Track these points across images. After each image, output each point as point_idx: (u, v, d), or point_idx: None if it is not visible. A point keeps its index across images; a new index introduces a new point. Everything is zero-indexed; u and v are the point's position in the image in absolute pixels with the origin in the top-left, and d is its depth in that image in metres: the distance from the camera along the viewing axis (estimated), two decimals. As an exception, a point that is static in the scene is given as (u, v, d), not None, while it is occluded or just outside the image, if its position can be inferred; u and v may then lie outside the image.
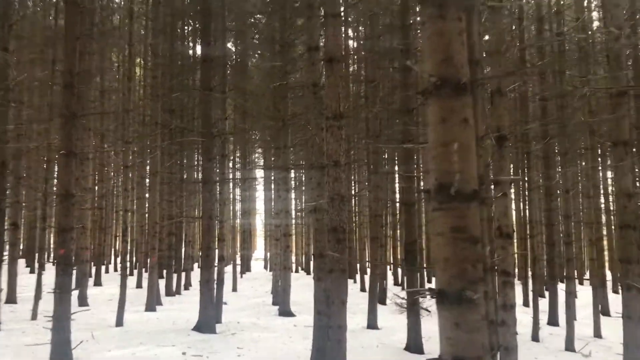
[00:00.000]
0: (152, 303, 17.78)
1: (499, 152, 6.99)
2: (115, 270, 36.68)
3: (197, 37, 25.05)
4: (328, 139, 8.29)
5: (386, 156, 18.37)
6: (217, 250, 16.03)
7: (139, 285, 25.89)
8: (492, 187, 6.87)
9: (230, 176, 19.04)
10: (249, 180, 35.30)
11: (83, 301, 18.40)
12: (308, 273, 36.46)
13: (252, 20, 25.66)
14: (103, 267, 35.53)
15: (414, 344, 11.84)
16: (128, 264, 33.82)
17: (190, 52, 27.31)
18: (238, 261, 33.20)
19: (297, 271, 40.74)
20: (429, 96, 3.03)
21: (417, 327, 11.74)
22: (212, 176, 13.16)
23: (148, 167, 18.72)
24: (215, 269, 13.90)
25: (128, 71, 15.13)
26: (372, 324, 15.26)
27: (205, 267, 13.05)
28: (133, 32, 16.29)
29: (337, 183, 8.22)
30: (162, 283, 23.36)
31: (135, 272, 30.10)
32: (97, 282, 27.20)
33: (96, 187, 27.70)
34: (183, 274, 26.96)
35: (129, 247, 36.76)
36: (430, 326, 13.46)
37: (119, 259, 39.25)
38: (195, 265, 38.07)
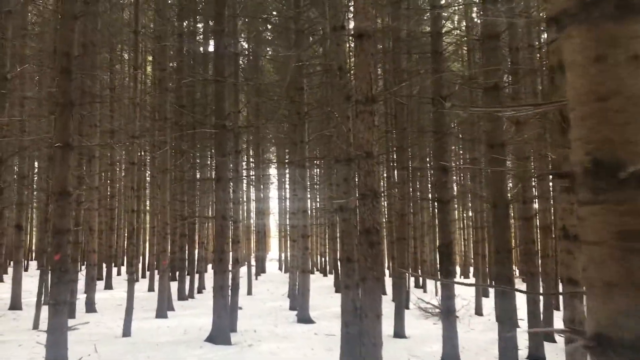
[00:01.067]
0: (163, 309, 16.77)
1: None
2: (122, 273, 35.79)
3: (209, 33, 24.10)
4: (358, 126, 7.17)
5: (410, 151, 17.18)
6: (231, 253, 14.99)
7: (150, 288, 24.95)
8: None
9: (244, 174, 17.93)
10: (263, 179, 34.30)
11: (91, 307, 17.44)
12: (325, 275, 35.36)
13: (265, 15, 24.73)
14: (115, 270, 34.83)
15: (451, 357, 10.67)
16: (140, 267, 33.22)
17: (201, 49, 26.39)
18: (252, 262, 32.19)
19: (312, 272, 39.68)
20: (569, 21, 1.89)
21: (453, 337, 10.57)
22: (226, 173, 12.09)
23: (157, 164, 17.66)
24: (230, 273, 12.83)
25: (134, 60, 14.09)
26: (399, 332, 14.12)
27: (219, 272, 11.99)
28: (139, 20, 15.22)
29: (369, 177, 7.09)
30: (174, 286, 22.42)
31: (148, 274, 29.24)
32: (108, 286, 26.32)
33: (108, 187, 26.81)
34: (196, 277, 26.00)
35: (140, 249, 36.19)
36: (462, 334, 12.32)
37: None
38: (209, 266, 37.14)
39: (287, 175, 37.40)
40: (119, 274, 34.63)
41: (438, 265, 10.67)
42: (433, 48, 10.81)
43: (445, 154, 10.74)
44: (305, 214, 16.63)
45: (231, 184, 14.14)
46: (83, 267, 23.27)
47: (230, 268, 13.07)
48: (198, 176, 22.05)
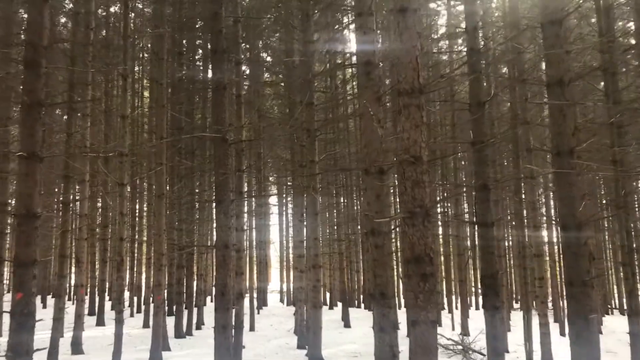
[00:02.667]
0: (157, 350, 14.93)
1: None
2: (123, 307, 33.80)
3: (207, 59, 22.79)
4: (402, 124, 5.59)
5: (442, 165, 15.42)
6: (234, 286, 13.29)
7: (146, 324, 23.09)
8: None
9: (246, 195, 16.25)
10: (263, 207, 32.61)
11: (77, 348, 15.63)
12: (331, 308, 33.41)
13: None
14: (109, 304, 32.88)
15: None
16: (135, 301, 31.29)
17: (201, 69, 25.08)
18: (254, 294, 30.30)
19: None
20: None
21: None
22: (228, 194, 10.46)
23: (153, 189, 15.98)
24: (233, 310, 11.09)
25: (123, 68, 12.59)
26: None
27: (221, 309, 10.25)
28: (128, 24, 13.75)
29: (418, 189, 5.49)
30: (171, 322, 20.61)
31: (143, 308, 27.32)
32: (100, 322, 24.49)
33: (99, 215, 25.09)
34: (195, 311, 24.16)
35: (129, 282, 34.27)
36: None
37: (127, 294, 36.53)
38: (208, 299, 35.16)
39: (290, 202, 35.85)
40: (112, 308, 32.65)
41: (481, 299, 8.92)
42: (469, 45, 9.29)
43: (486, 168, 9.14)
44: (317, 241, 14.91)
45: (234, 208, 12.51)
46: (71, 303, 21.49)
47: (233, 304, 11.34)
48: (197, 201, 20.26)
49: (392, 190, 20.38)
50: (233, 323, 11.25)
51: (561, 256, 27.06)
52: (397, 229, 12.07)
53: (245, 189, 13.85)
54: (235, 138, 12.10)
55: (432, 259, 5.51)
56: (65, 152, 14.20)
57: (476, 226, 9.12)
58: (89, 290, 29.76)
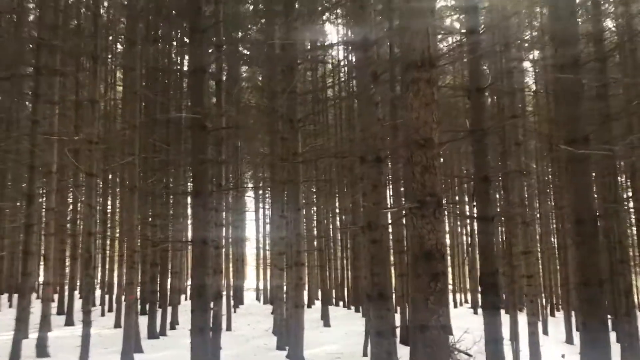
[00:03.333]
0: (129, 352, 14.09)
1: None
2: (94, 305, 32.64)
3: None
4: (412, 101, 4.90)
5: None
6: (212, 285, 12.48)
7: (117, 324, 22.07)
8: None
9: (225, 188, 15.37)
10: (241, 202, 31.76)
11: (42, 351, 14.66)
12: (309, 306, 32.69)
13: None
14: (80, 302, 31.65)
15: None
16: (107, 299, 30.15)
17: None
18: (230, 293, 29.39)
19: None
20: None
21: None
22: (206, 185, 9.68)
23: (119, 181, 15.08)
24: (212, 311, 10.31)
25: (93, 51, 11.70)
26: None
27: (198, 311, 9.45)
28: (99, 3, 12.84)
29: (429, 175, 4.82)
30: (144, 321, 19.71)
31: (115, 306, 26.24)
32: (69, 322, 23.36)
33: (69, 210, 24.02)
34: (169, 310, 23.25)
35: (101, 280, 33.10)
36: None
37: (99, 293, 35.31)
38: (183, 297, 34.14)
39: (268, 198, 34.96)
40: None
41: (480, 298, 8.29)
42: (469, 25, 8.63)
43: (486, 158, 8.51)
44: (300, 238, 14.16)
45: (213, 201, 11.72)
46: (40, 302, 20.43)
47: (211, 304, 10.56)
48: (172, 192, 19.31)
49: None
50: (211, 325, 10.46)
51: (554, 254, 26.80)
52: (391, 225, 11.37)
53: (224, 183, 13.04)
54: (214, 125, 11.31)
55: (444, 255, 4.83)
56: (31, 140, 13.22)
57: (475, 220, 8.48)
58: (58, 288, 28.63)
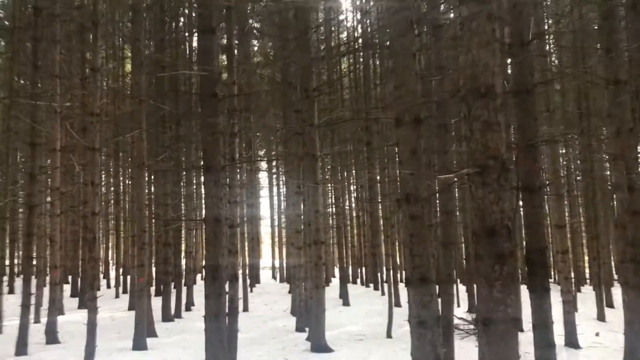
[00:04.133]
0: (142, 337, 13.42)
1: None
2: (109, 287, 32.26)
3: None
4: (468, 42, 3.96)
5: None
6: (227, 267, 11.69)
7: (132, 306, 21.44)
8: None
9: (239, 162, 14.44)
10: (255, 179, 30.92)
11: (52, 337, 14.02)
12: (326, 284, 31.99)
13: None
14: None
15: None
16: (113, 284, 29.58)
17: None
18: (246, 271, 28.72)
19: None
20: None
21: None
22: (219, 159, 8.80)
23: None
24: (227, 295, 9.47)
25: (93, 13, 10.69)
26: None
27: (213, 295, 8.65)
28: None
29: (492, 134, 3.90)
30: (158, 303, 19.09)
31: (129, 289, 25.71)
32: (82, 304, 22.81)
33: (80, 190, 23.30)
34: (184, 290, 22.64)
35: (116, 260, 32.60)
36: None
37: (113, 273, 34.92)
38: (198, 277, 33.60)
39: (282, 174, 34.05)
40: (98, 288, 31.06)
41: (527, 279, 7.37)
42: None
43: (533, 120, 7.52)
44: (318, 215, 13.30)
45: (225, 177, 10.84)
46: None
47: (227, 288, 9.74)
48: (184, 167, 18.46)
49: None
50: (227, 310, 9.66)
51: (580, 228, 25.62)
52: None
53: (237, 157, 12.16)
54: (227, 93, 10.41)
55: (511, 231, 3.92)
56: (31, 115, 12.39)
57: (520, 191, 7.51)
58: (71, 271, 28.14)
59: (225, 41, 12.88)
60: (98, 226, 11.55)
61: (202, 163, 9.21)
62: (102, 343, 14.12)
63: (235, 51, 12.98)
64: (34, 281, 13.84)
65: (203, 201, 13.98)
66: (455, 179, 4.59)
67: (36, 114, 12.63)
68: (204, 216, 8.97)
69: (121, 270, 30.71)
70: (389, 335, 15.36)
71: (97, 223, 10.44)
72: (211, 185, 8.68)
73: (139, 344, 13.29)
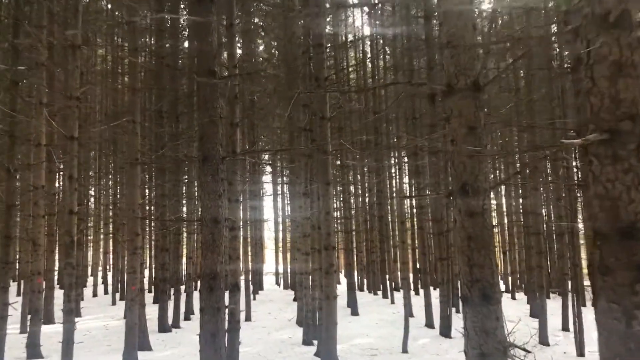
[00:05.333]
0: (132, 351, 12.08)
1: None
2: (106, 293, 30.96)
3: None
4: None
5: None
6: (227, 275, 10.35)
7: (127, 315, 20.14)
8: None
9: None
10: (258, 181, 29.51)
11: (33, 350, 12.63)
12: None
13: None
14: (91, 290, 29.94)
15: None
16: (111, 290, 28.21)
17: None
18: (249, 278, 27.28)
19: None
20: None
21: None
22: (217, 149, 7.46)
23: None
24: (227, 309, 8.09)
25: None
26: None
27: (209, 310, 7.27)
28: None
29: (624, 80, 2.55)
30: (155, 312, 17.77)
31: (122, 296, 24.35)
32: (77, 313, 21.49)
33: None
34: (183, 298, 21.28)
35: (113, 265, 31.26)
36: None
37: (110, 279, 33.58)
38: (199, 283, 32.18)
39: (286, 176, 32.61)
40: (95, 294, 29.83)
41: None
42: None
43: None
44: (329, 217, 11.91)
45: (224, 170, 9.49)
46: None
47: (226, 300, 8.37)
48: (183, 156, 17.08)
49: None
50: (226, 326, 8.31)
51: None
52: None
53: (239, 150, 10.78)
54: (226, 75, 9.10)
55: (656, 231, 2.56)
56: (10, 105, 11.08)
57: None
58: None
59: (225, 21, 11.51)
60: (77, 228, 10.17)
61: (197, 154, 7.82)
62: (88, 357, 12.83)
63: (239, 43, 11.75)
64: (14, 289, 12.45)
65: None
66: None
67: (16, 103, 11.33)
68: (199, 216, 7.62)
69: (119, 276, 29.43)
70: (404, 350, 14.01)
71: (74, 223, 9.12)
72: (208, 178, 7.33)
73: (128, 359, 11.94)
